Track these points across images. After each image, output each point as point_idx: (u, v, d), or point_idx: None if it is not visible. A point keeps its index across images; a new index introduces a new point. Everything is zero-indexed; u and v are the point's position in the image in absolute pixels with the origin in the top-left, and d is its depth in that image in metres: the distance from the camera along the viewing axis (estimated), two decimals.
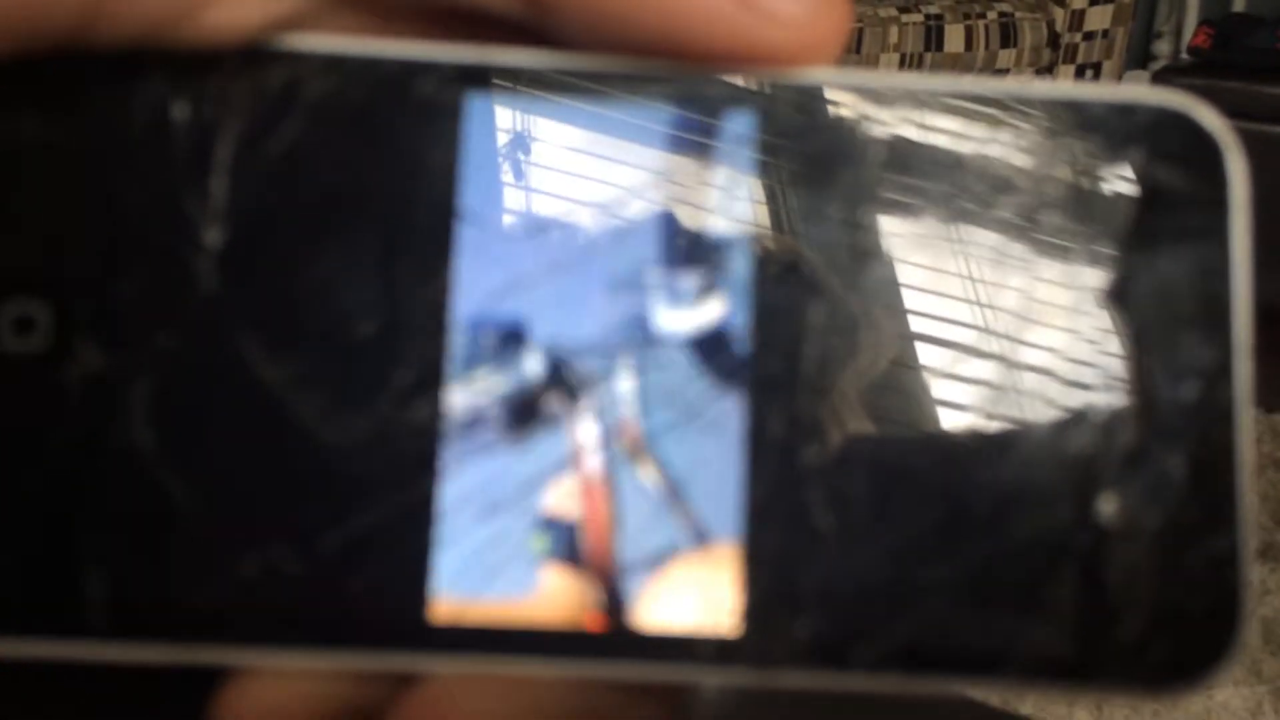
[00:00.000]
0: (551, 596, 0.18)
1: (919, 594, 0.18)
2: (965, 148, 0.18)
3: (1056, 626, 0.18)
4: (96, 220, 0.18)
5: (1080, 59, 2.01)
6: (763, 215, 0.18)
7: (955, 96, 0.18)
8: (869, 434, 0.18)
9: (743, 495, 0.18)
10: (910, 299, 0.18)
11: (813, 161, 0.18)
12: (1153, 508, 0.18)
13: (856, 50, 1.87)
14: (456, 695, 0.17)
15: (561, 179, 0.18)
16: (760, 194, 0.18)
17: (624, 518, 0.18)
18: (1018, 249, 0.18)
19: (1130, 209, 0.18)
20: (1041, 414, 0.18)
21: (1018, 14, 1.96)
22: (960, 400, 0.18)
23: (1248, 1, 2.26)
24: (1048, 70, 1.99)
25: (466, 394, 0.18)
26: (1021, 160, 0.18)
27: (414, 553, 0.17)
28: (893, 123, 0.18)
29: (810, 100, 0.18)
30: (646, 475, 0.18)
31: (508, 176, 0.18)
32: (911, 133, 0.18)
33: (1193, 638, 0.18)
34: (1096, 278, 0.18)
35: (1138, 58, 2.30)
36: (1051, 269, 0.18)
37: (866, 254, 0.18)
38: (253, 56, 0.18)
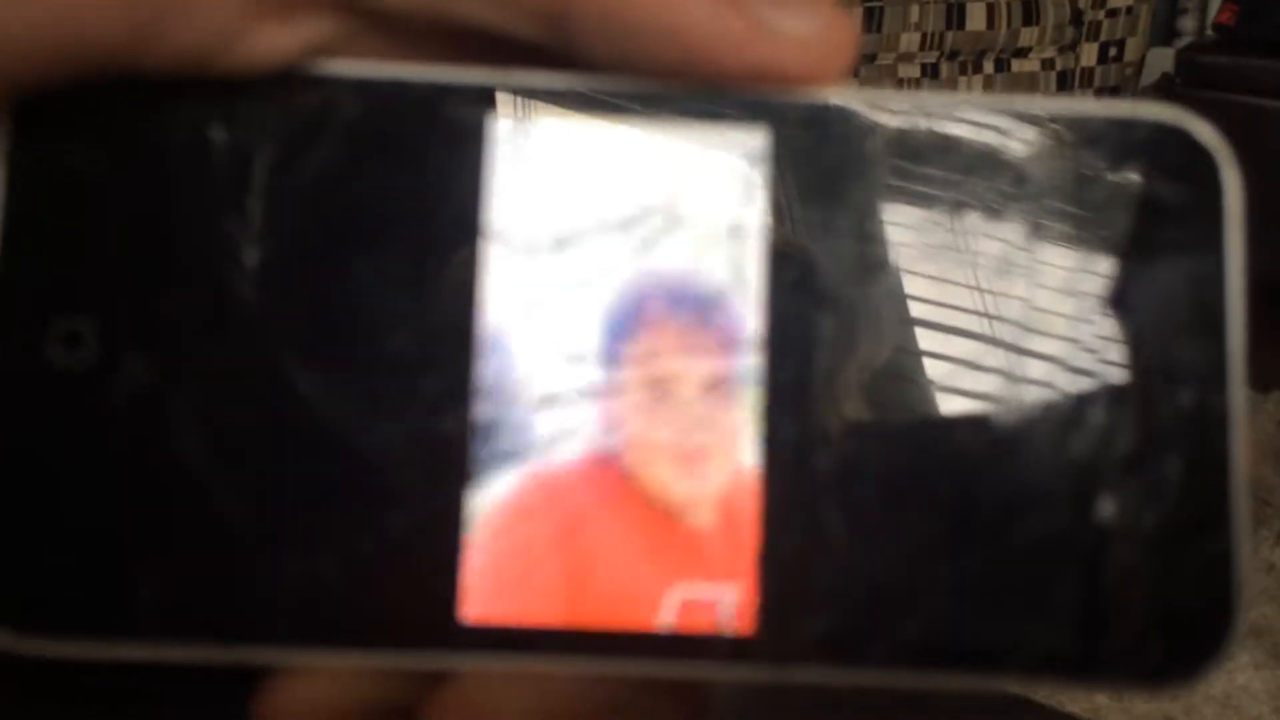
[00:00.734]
0: (576, 595, 0.18)
1: (928, 592, 0.18)
2: (968, 163, 0.19)
3: (1059, 624, 0.18)
4: (140, 239, 0.19)
5: (1104, 36, 1.99)
6: (776, 230, 0.19)
7: (958, 113, 0.19)
8: (878, 438, 0.19)
9: (757, 498, 0.19)
10: (917, 307, 0.19)
11: (821, 176, 0.19)
12: (1151, 509, 0.18)
13: (877, 29, 1.86)
14: (486, 693, 0.18)
15: (583, 195, 0.19)
16: (773, 208, 0.19)
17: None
18: (1021, 259, 0.19)
19: (1129, 220, 0.19)
20: (1044, 419, 0.19)
21: None
22: (966, 406, 0.19)
23: None
24: (1070, 48, 1.98)
25: (495, 403, 0.19)
26: (1023, 173, 0.19)
27: (446, 555, 0.18)
28: (897, 139, 0.19)
29: (820, 118, 0.19)
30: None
31: (532, 193, 0.19)
32: (914, 149, 0.19)
33: (1189, 635, 0.18)
34: (1097, 287, 0.19)
35: (1162, 34, 2.28)
36: (1054, 278, 0.19)
37: (874, 264, 0.19)
38: (288, 81, 0.19)
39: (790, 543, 0.18)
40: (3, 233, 0.18)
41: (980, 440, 0.19)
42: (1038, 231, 0.19)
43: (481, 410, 0.19)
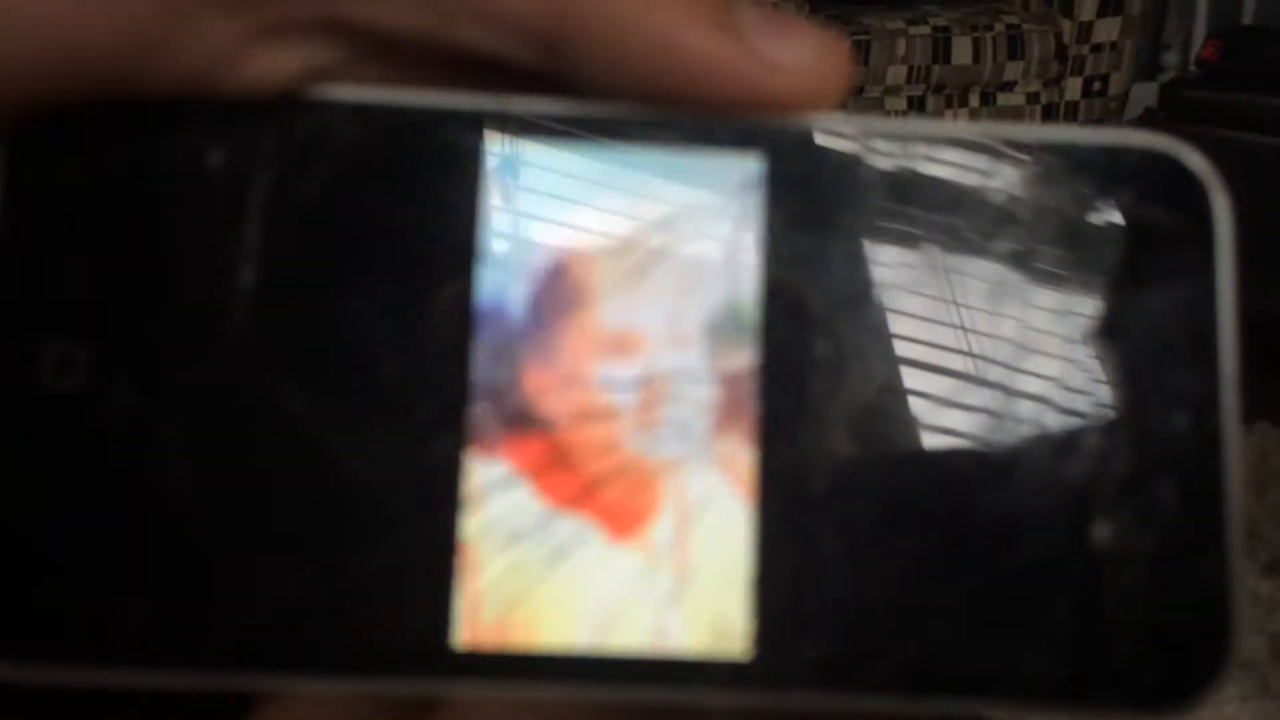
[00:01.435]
0: (571, 621, 0.18)
1: (923, 617, 0.18)
2: (961, 189, 0.19)
3: (1054, 649, 0.18)
4: (134, 262, 0.19)
5: (1088, 71, 2.01)
6: (770, 256, 0.19)
7: (950, 140, 0.19)
8: (873, 463, 0.19)
9: (752, 522, 0.19)
10: (912, 333, 0.19)
11: (814, 203, 0.19)
12: (1146, 533, 0.18)
13: (865, 63, 1.88)
14: (479, 719, 0.18)
15: (576, 220, 0.19)
16: (767, 234, 0.19)
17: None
18: (1013, 285, 0.19)
19: (1121, 247, 0.19)
20: (1038, 444, 0.19)
21: (1025, 26, 1.97)
22: (960, 432, 0.19)
23: (1256, 14, 2.26)
24: (1055, 82, 2.00)
25: (488, 426, 0.19)
26: (1016, 200, 0.19)
27: (439, 581, 0.18)
28: (889, 165, 0.19)
29: (812, 144, 0.19)
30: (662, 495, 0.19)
31: (525, 218, 0.19)
32: (907, 175, 0.19)
33: (1186, 659, 0.18)
34: (1090, 312, 0.19)
35: (1146, 70, 2.31)
36: (1047, 304, 0.19)
37: (867, 290, 0.19)
38: (285, 106, 0.19)
39: (786, 567, 0.18)
40: None
41: (976, 465, 0.19)
42: (1030, 257, 0.19)
43: (475, 435, 0.19)
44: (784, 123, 0.19)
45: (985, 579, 0.18)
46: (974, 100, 1.98)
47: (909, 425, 0.19)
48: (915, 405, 0.19)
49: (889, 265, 0.19)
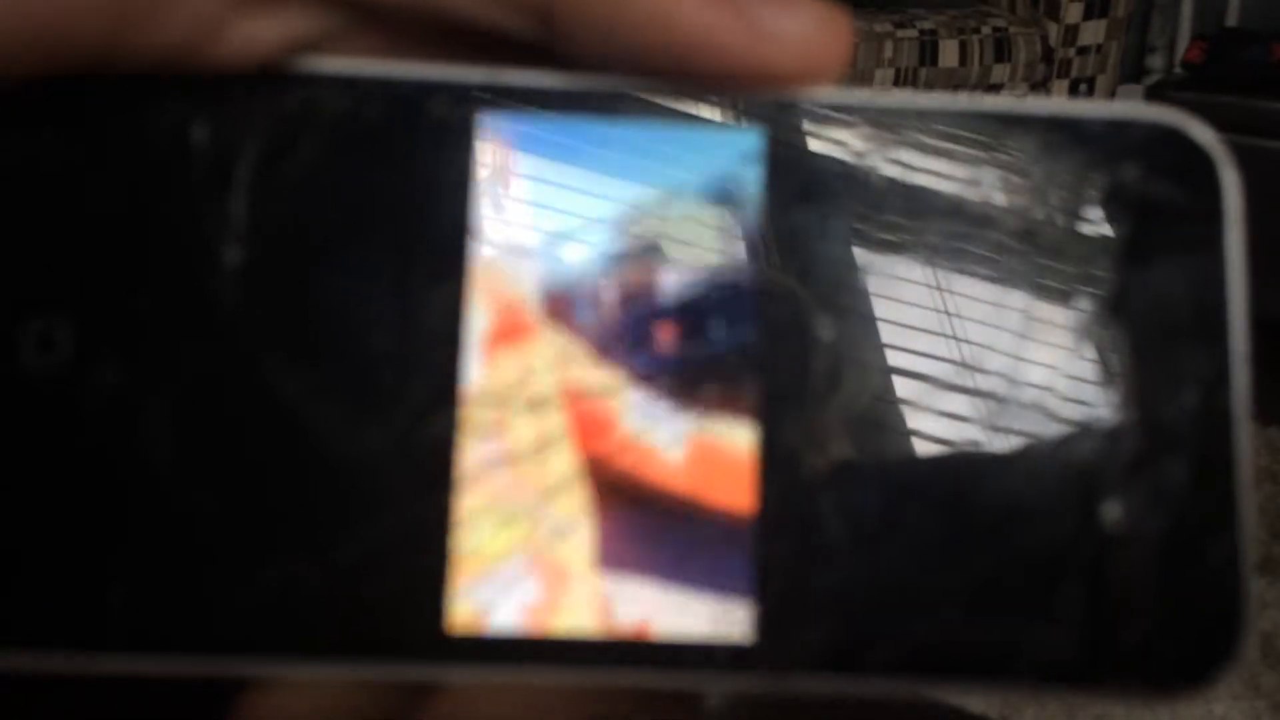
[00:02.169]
0: (567, 604, 0.18)
1: (930, 600, 0.18)
2: (965, 164, 0.19)
3: (1063, 632, 0.18)
4: (117, 239, 0.18)
5: (1074, 73, 2.02)
6: (770, 235, 0.19)
7: (953, 113, 0.19)
8: (879, 444, 0.18)
9: (756, 505, 0.18)
10: (918, 313, 0.19)
11: (816, 179, 0.19)
12: (1155, 515, 0.18)
13: (851, 65, 1.88)
14: (474, 704, 0.18)
15: (569, 197, 0.19)
16: (765, 213, 0.19)
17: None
18: (1019, 264, 0.19)
19: (1127, 223, 0.19)
20: (1046, 425, 0.18)
21: (1012, 29, 1.97)
22: (968, 412, 0.19)
23: (1241, 16, 2.27)
24: (1041, 85, 2.00)
25: (481, 406, 0.18)
26: (1020, 176, 0.19)
27: (431, 564, 0.18)
28: (892, 140, 0.19)
29: (812, 118, 0.19)
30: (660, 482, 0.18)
31: (518, 194, 0.19)
32: (911, 149, 0.19)
33: (1196, 642, 0.18)
34: (1097, 291, 0.19)
35: (1131, 72, 2.31)
36: (1053, 283, 0.19)
37: (871, 271, 0.19)
38: (270, 78, 0.18)
39: (790, 549, 0.18)
40: None
41: (983, 447, 0.18)
42: (1036, 234, 0.19)
43: (468, 415, 0.18)
44: (784, 96, 0.19)
45: (993, 560, 0.18)
46: None
47: (915, 406, 0.19)
48: (921, 386, 0.19)
49: (892, 241, 0.19)
